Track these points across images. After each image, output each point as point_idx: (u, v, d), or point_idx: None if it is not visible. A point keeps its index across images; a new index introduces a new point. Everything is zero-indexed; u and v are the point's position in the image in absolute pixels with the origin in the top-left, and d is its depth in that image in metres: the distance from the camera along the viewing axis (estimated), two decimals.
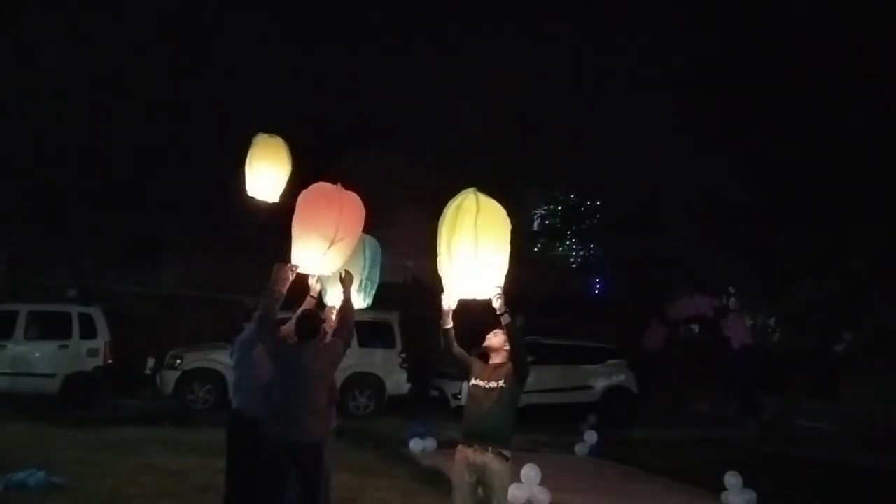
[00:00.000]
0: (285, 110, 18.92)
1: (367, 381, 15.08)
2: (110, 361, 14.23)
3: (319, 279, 5.87)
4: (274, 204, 6.73)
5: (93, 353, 14.20)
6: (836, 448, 13.92)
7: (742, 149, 14.20)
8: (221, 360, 13.33)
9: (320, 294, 5.99)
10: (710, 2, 14.95)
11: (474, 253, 4.97)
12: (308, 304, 5.81)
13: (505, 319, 5.18)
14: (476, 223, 4.99)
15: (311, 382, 5.30)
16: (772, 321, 18.37)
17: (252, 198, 6.72)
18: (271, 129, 6.73)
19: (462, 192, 5.18)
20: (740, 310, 17.81)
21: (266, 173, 6.60)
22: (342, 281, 5.69)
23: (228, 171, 18.39)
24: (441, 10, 21.69)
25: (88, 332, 14.25)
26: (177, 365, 14.32)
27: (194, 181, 17.04)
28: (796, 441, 14.60)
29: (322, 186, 5.67)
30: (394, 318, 15.53)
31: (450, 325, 5.36)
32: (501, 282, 5.12)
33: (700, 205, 15.66)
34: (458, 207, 5.09)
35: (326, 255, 5.51)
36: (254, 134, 6.70)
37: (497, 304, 5.14)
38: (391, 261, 5.62)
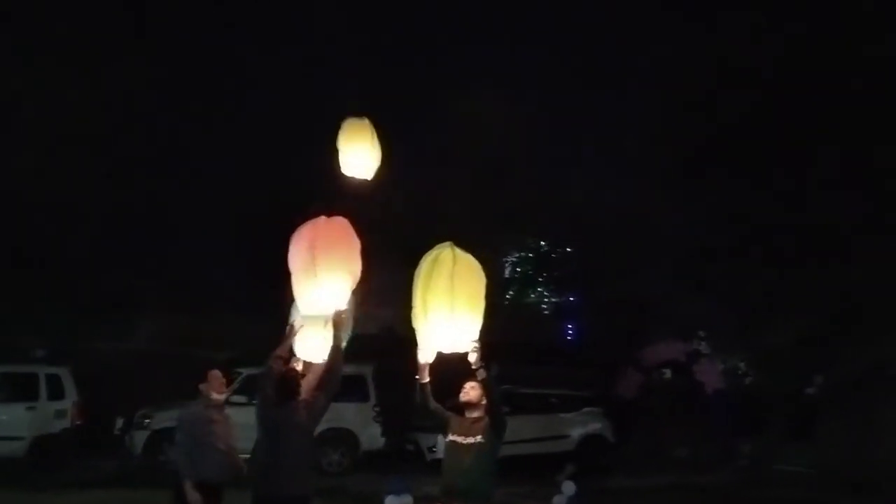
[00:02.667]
0: (256, 160, 18.99)
1: (341, 437, 14.80)
2: (79, 423, 13.92)
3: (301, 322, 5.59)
4: (367, 182, 7.02)
5: (61, 414, 13.91)
6: (813, 491, 13.92)
7: (710, 193, 14.41)
8: None
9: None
10: (677, 52, 15.33)
11: (450, 309, 4.96)
12: (276, 360, 5.47)
13: (481, 374, 5.15)
14: (452, 279, 4.99)
15: (294, 440, 5.22)
16: (742, 364, 18.51)
17: (348, 177, 6.99)
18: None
19: (438, 245, 5.20)
20: (712, 354, 17.93)
21: (357, 152, 6.89)
22: (334, 323, 5.42)
23: (203, 225, 18.44)
24: (415, 56, 21.97)
25: (56, 392, 13.97)
26: (146, 424, 14.02)
27: (169, 235, 16.95)
28: (773, 484, 14.58)
29: (300, 227, 5.55)
30: (367, 371, 15.37)
31: (426, 379, 5.32)
32: (477, 335, 5.12)
33: (670, 249, 15.84)
34: (434, 261, 5.08)
35: (322, 292, 5.32)
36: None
37: (473, 358, 5.12)
38: (364, 311, 5.53)
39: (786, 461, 16.06)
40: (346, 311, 5.48)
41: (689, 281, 15.52)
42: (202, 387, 6.42)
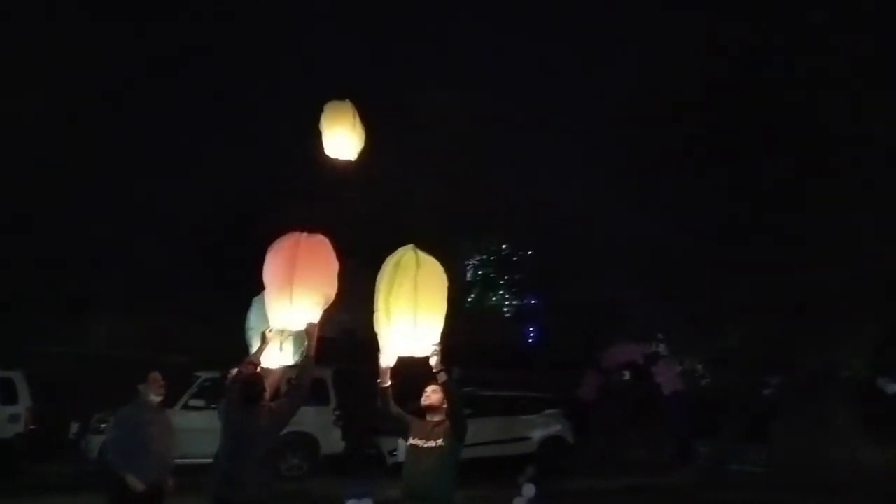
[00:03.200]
0: (216, 158, 18.78)
1: (301, 441, 14.69)
2: (32, 427, 13.62)
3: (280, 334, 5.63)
4: (350, 161, 7.25)
5: (14, 419, 13.56)
6: (768, 491, 14.17)
7: (668, 196, 14.62)
8: None
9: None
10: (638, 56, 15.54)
11: (414, 312, 4.97)
12: (247, 365, 5.53)
13: (442, 377, 5.16)
14: (416, 282, 4.99)
15: (256, 445, 5.18)
16: (700, 366, 18.78)
17: (331, 158, 7.21)
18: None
19: (401, 248, 5.19)
20: (670, 356, 18.16)
21: (340, 134, 7.10)
22: (307, 333, 5.42)
23: (161, 228, 18.17)
24: (372, 59, 21.88)
25: (9, 396, 13.64)
26: (102, 429, 13.76)
27: (126, 238, 16.70)
28: (731, 486, 14.81)
29: (280, 239, 5.56)
30: (327, 374, 15.28)
31: (388, 383, 5.29)
32: (438, 339, 5.13)
33: (629, 252, 16.01)
34: (397, 265, 5.08)
35: (294, 308, 5.35)
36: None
37: (434, 361, 5.13)
38: (324, 314, 5.50)
39: (742, 462, 16.32)
40: (316, 323, 5.46)
41: (648, 284, 15.71)
42: (141, 387, 6.41)
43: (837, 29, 12.94)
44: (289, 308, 5.36)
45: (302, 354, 5.62)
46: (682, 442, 18.35)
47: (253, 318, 5.83)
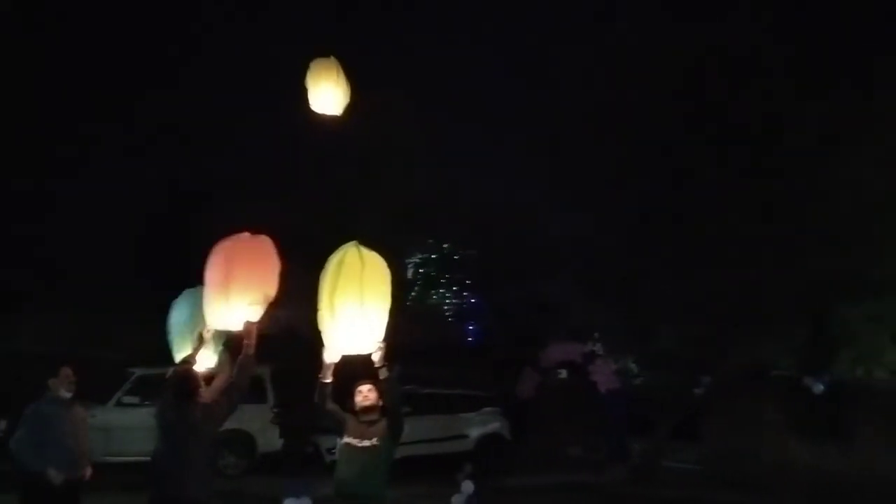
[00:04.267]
0: (157, 151, 18.45)
1: (238, 439, 14.48)
2: None
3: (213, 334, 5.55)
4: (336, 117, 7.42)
5: None
6: (700, 487, 14.55)
7: (602, 198, 14.85)
8: None
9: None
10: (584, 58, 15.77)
11: (360, 309, 4.96)
12: (187, 364, 5.45)
13: (383, 374, 5.17)
14: (361, 279, 4.98)
15: (191, 442, 5.09)
16: (634, 365, 19.14)
17: (318, 113, 7.34)
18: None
19: (344, 245, 5.18)
20: (606, 355, 18.46)
21: (325, 90, 7.22)
22: (247, 332, 5.33)
23: (93, 220, 17.71)
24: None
25: None
26: None
27: (56, 230, 16.23)
28: (663, 482, 15.14)
29: (252, 240, 5.52)
30: (265, 371, 15.09)
31: (329, 379, 5.28)
32: (382, 335, 5.13)
33: (567, 252, 16.23)
34: (341, 262, 5.06)
35: (231, 308, 5.30)
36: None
37: (377, 357, 5.13)
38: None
39: (674, 459, 16.71)
40: (255, 322, 5.40)
41: (584, 285, 15.93)
42: (51, 382, 6.31)
43: (766, 38, 13.35)
44: (226, 307, 5.32)
45: (222, 354, 5.59)
46: (617, 440, 18.66)
47: (176, 315, 5.76)
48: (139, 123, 18.42)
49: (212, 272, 5.40)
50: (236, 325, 5.37)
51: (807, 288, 12.81)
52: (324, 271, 5.12)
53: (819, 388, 15.30)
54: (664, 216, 13.52)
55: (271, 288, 5.48)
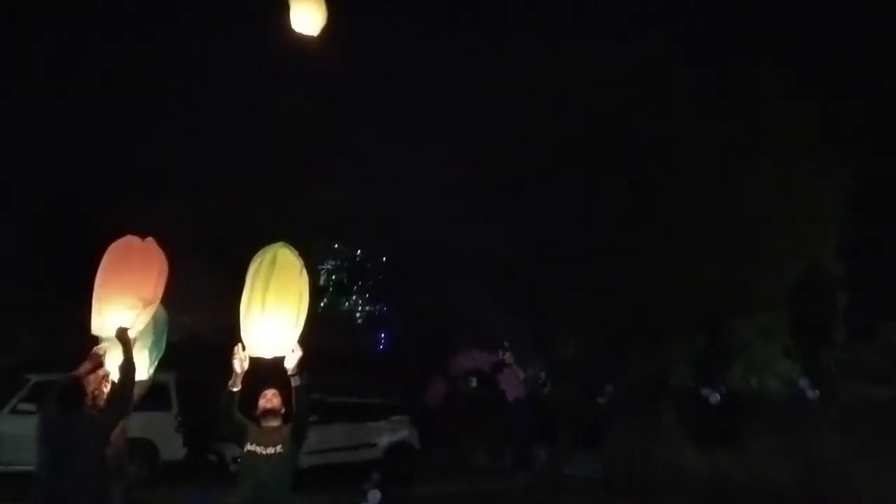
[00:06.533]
0: (50, 154, 17.78)
1: (139, 447, 14.04)
2: None
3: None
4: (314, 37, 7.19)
5: None
6: (601, 494, 14.94)
7: (511, 210, 15.13)
8: None
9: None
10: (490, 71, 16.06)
11: (294, 311, 4.98)
12: (85, 369, 5.23)
13: (296, 381, 5.16)
14: (299, 280, 5.02)
15: (78, 457, 4.89)
16: (543, 374, 19.47)
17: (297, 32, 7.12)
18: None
19: (271, 246, 5.15)
20: (514, 363, 18.74)
21: (306, 10, 7.08)
22: (121, 339, 5.19)
23: None
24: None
25: None
26: None
27: None
28: (566, 489, 15.47)
29: (131, 243, 5.41)
30: (169, 379, 14.70)
31: (238, 388, 5.22)
32: (296, 341, 5.12)
33: (476, 262, 16.44)
34: (273, 262, 5.06)
35: (102, 314, 5.21)
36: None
37: (291, 364, 5.11)
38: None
39: (577, 467, 17.10)
40: (128, 328, 5.27)
41: (493, 295, 16.17)
42: None
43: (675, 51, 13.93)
44: (99, 313, 5.23)
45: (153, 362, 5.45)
46: (522, 448, 18.97)
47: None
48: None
49: (97, 276, 5.31)
50: (109, 331, 5.23)
51: (702, 301, 13.36)
52: (252, 270, 5.06)
53: (716, 398, 15.88)
54: (570, 230, 13.87)
55: (149, 292, 5.37)
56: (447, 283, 17.70)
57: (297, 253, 5.21)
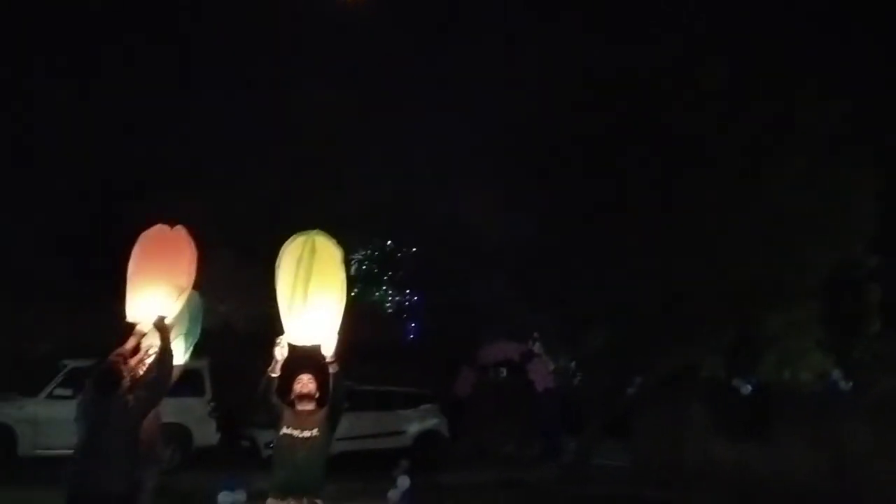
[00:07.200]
0: (83, 146, 18.06)
1: (173, 432, 14.28)
2: None
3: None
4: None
5: None
6: (630, 485, 14.92)
7: (540, 202, 15.11)
8: (11, 412, 13.21)
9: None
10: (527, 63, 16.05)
11: (337, 300, 5.06)
12: (116, 356, 5.28)
13: (333, 368, 5.24)
14: (337, 268, 5.09)
15: (110, 435, 4.99)
16: (573, 365, 19.48)
17: None
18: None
19: (305, 234, 5.23)
20: (544, 354, 18.77)
21: None
22: (158, 327, 5.27)
23: (21, 206, 17.28)
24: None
25: None
26: None
27: None
28: (594, 480, 15.47)
29: (164, 231, 5.50)
30: (203, 365, 14.93)
31: (277, 374, 5.29)
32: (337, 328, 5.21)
33: (505, 253, 16.46)
34: (314, 250, 5.12)
35: (139, 303, 5.30)
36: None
37: (329, 352, 5.20)
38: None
39: (605, 457, 17.09)
40: (167, 317, 5.36)
41: (520, 285, 16.18)
42: None
43: (708, 47, 13.82)
44: (134, 301, 5.31)
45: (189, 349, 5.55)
46: (550, 437, 19.01)
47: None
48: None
49: (129, 265, 5.41)
50: (148, 318, 5.31)
51: (733, 293, 13.25)
52: (290, 258, 5.15)
53: (747, 389, 15.82)
54: (600, 220, 13.84)
55: (182, 280, 5.47)
56: (475, 274, 17.76)
57: (334, 241, 5.29)
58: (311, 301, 5.08)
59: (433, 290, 24.01)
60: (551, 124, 14.31)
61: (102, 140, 18.12)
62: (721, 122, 13.28)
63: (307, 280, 5.06)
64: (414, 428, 16.99)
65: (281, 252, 5.25)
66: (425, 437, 16.99)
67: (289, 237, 5.32)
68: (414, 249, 29.15)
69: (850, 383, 16.03)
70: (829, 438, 13.83)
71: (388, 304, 32.33)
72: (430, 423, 17.25)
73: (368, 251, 31.38)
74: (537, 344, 19.91)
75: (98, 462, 4.93)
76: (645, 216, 13.22)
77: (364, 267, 31.72)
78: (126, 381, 5.16)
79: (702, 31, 14.13)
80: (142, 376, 5.35)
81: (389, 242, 30.66)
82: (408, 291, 31.36)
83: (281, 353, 5.26)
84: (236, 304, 15.24)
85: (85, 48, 18.22)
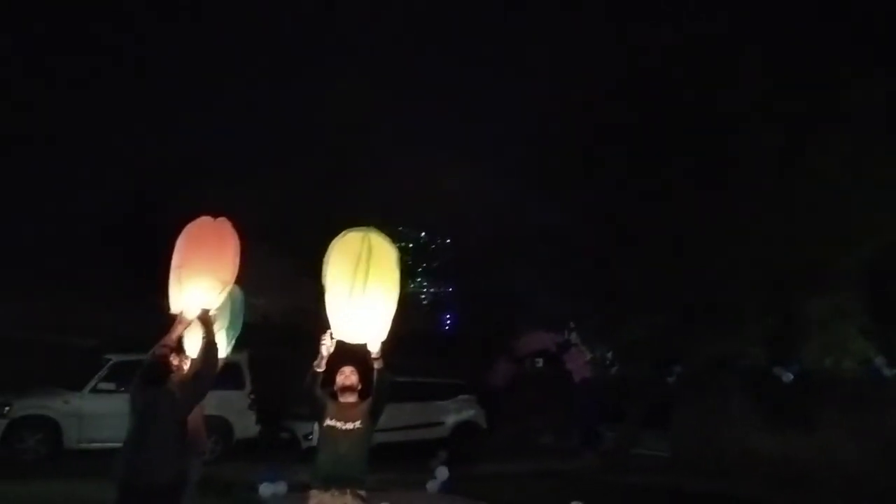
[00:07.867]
0: (123, 141, 18.33)
1: (214, 424, 14.47)
2: None
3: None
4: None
5: None
6: (670, 475, 14.79)
7: (578, 190, 15.02)
8: (56, 406, 13.17)
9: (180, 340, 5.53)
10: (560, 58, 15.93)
11: (391, 297, 5.08)
12: (161, 348, 5.29)
13: (379, 364, 5.26)
14: (393, 266, 5.12)
15: (158, 426, 5.07)
16: (610, 354, 19.35)
17: None
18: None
19: (358, 230, 5.23)
20: (581, 344, 18.66)
21: None
22: (203, 321, 5.32)
23: (67, 207, 17.61)
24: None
25: None
26: (6, 412, 13.31)
27: (30, 217, 16.13)
28: (634, 469, 15.38)
29: (206, 222, 5.50)
30: (242, 358, 15.08)
31: (322, 368, 5.29)
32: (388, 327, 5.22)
33: (542, 242, 16.39)
34: (370, 248, 5.12)
35: (185, 294, 5.30)
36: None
37: (375, 348, 5.22)
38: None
39: (645, 447, 16.96)
40: (211, 309, 5.39)
41: (558, 276, 16.11)
42: None
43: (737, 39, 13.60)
44: (179, 291, 5.31)
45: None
46: (588, 428, 18.91)
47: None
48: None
49: (173, 257, 5.42)
50: (191, 310, 5.33)
51: (774, 280, 13.07)
52: (345, 255, 5.16)
53: (789, 377, 15.57)
54: (639, 208, 13.72)
55: (227, 273, 5.48)
56: (511, 264, 17.71)
57: (389, 240, 5.29)
58: (368, 299, 5.09)
59: (468, 280, 23.98)
60: (587, 108, 14.18)
61: (142, 136, 18.37)
62: (761, 104, 13.07)
63: (365, 278, 5.06)
64: (451, 419, 17.01)
65: (331, 247, 5.24)
66: (463, 427, 17.00)
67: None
68: (448, 241, 29.19)
69: (894, 370, 15.70)
70: (872, 426, 13.58)
71: (423, 296, 32.45)
72: (468, 413, 17.26)
73: (402, 243, 31.51)
74: (573, 334, 19.81)
75: (147, 453, 5.00)
76: (688, 203, 13.07)
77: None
78: (174, 374, 5.25)
79: (745, 11, 13.85)
80: (188, 369, 5.42)
81: (423, 234, 30.74)
82: (442, 283, 31.44)
83: (327, 349, 5.27)
84: (273, 298, 15.41)
85: (128, 43, 18.44)
